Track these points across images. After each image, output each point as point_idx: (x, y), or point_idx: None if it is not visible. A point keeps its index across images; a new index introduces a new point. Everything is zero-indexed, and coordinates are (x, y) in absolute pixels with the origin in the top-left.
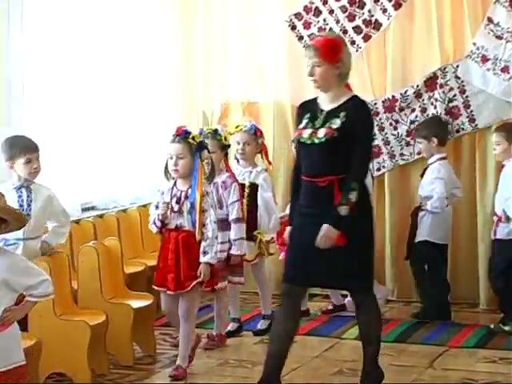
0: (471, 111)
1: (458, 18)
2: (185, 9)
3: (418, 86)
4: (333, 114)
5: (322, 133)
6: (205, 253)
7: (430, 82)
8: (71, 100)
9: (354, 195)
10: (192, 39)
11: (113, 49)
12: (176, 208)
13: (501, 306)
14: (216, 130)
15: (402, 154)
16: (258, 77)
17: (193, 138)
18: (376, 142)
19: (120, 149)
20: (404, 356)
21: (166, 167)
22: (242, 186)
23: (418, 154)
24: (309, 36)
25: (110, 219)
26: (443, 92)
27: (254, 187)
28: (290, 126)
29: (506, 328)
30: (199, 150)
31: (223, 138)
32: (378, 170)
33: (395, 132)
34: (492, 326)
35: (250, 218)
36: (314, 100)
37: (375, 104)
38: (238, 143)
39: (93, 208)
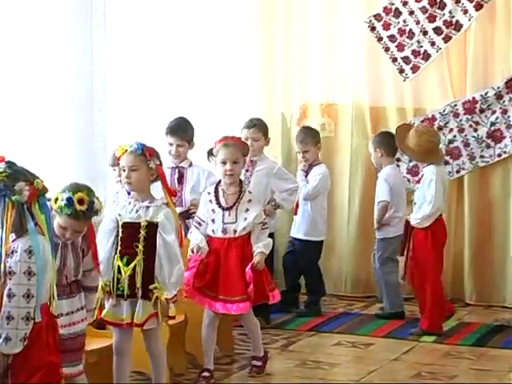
0: None
1: None
2: (265, 13)
3: (498, 87)
4: None
5: None
6: (7, 339)
7: (511, 84)
8: (153, 102)
9: None
10: (272, 42)
11: (195, 53)
12: None
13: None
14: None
15: (482, 156)
16: (337, 78)
17: None
18: (456, 144)
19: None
20: (483, 360)
21: None
22: (137, 225)
23: (499, 156)
24: (388, 37)
25: None
26: None
27: (152, 227)
28: (368, 127)
29: None
30: (4, 191)
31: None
32: (458, 171)
33: (475, 134)
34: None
35: (146, 269)
36: None
37: (455, 105)
38: (124, 169)
39: None
